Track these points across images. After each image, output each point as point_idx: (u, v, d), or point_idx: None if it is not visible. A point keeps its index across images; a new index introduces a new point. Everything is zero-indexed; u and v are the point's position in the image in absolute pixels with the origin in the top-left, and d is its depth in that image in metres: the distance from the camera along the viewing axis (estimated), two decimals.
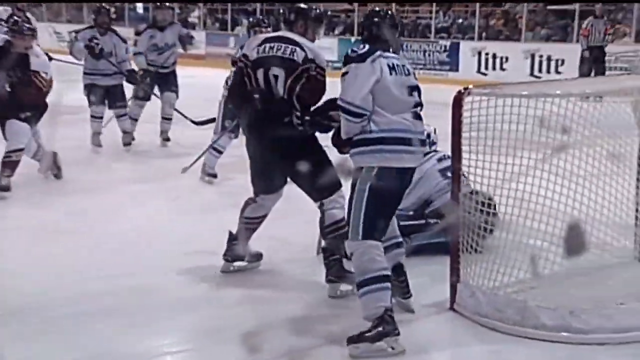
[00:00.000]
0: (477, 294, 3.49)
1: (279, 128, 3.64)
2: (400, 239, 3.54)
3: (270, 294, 3.88)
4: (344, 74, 3.25)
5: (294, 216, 4.67)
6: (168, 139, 8.08)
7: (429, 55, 16.09)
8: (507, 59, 14.97)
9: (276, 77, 3.70)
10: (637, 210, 3.85)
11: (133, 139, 7.85)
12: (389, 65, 3.27)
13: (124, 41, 7.73)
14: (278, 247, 4.46)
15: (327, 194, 3.75)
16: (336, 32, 18.06)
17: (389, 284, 3.23)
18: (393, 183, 3.26)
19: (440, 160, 4.58)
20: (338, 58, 10.45)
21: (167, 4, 7.96)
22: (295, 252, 4.45)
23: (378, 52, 3.27)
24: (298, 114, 3.63)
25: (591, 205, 3.45)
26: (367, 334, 3.14)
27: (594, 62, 12.22)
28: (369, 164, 3.24)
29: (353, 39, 16.60)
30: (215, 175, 6.40)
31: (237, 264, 4.13)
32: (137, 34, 8.82)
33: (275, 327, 3.46)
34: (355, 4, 17.81)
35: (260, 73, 3.73)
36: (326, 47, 11.45)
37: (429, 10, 17.02)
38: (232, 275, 4.10)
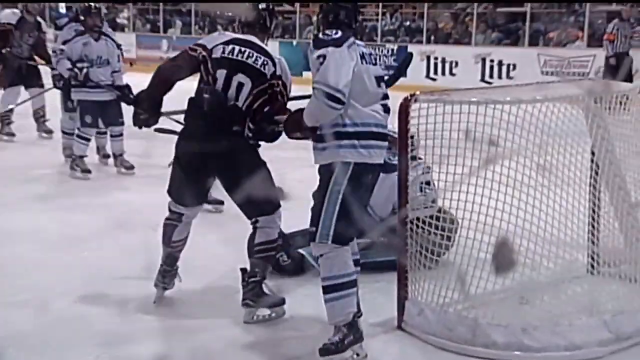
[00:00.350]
0: (426, 312, 3.54)
1: (227, 136, 3.60)
2: (358, 256, 3.55)
3: (204, 321, 3.80)
4: (318, 57, 3.17)
5: (223, 230, 4.71)
6: (108, 156, 7.43)
7: (376, 59, 16.19)
8: (457, 63, 15.21)
9: (241, 84, 3.64)
10: (592, 221, 3.94)
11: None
12: (360, 54, 3.28)
13: (118, 46, 7.13)
14: (207, 267, 4.42)
15: (265, 213, 3.75)
16: (276, 34, 18.07)
17: (355, 289, 3.30)
18: (366, 180, 3.30)
19: (424, 172, 4.34)
20: None
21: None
22: (224, 272, 4.35)
23: (352, 39, 3.27)
24: (251, 125, 3.62)
25: (542, 217, 3.51)
26: (339, 344, 3.18)
27: (621, 70, 11.35)
28: (344, 159, 3.21)
29: (295, 42, 16.66)
30: (221, 202, 5.43)
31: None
32: (58, 28, 8.16)
33: (218, 355, 3.44)
34: (297, 4, 17.87)
35: (221, 74, 3.65)
36: None
37: (376, 12, 17.19)
38: (162, 302, 3.99)
